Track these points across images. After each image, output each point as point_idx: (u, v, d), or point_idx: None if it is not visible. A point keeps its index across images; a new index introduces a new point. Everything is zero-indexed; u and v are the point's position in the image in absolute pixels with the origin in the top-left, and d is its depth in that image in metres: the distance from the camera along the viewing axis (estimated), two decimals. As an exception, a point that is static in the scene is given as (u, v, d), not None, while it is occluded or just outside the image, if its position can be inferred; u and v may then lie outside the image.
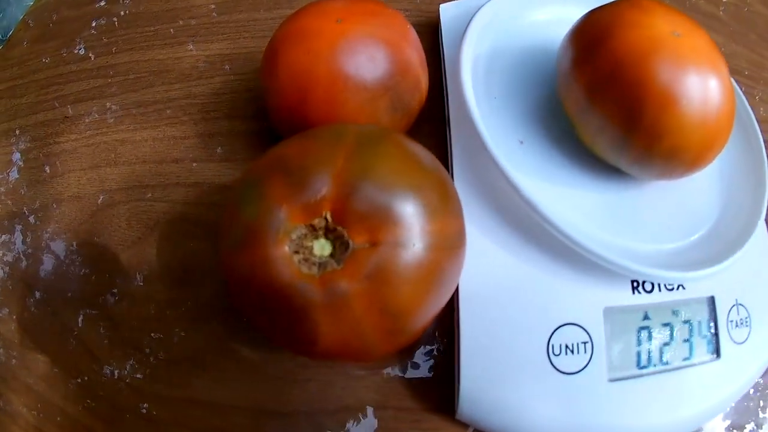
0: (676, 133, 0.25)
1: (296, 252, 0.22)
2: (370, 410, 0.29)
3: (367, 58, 0.26)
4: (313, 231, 0.22)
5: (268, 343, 0.29)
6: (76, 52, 0.40)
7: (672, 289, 0.29)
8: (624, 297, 0.28)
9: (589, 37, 0.27)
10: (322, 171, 0.22)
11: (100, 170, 0.35)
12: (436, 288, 0.23)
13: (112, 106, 0.37)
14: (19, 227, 0.34)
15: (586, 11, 0.31)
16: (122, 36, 0.40)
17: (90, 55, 0.40)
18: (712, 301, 0.29)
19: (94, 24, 0.41)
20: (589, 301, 0.28)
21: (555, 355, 0.27)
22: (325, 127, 0.24)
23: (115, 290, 0.32)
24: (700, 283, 0.29)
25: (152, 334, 0.30)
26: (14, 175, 0.36)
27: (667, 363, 0.28)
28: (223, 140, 0.34)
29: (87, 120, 0.37)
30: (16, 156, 0.37)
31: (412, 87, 0.28)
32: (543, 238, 0.28)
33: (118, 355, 0.30)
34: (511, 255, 0.28)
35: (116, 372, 0.30)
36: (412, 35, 0.29)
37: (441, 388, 0.29)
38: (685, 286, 0.29)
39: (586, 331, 0.28)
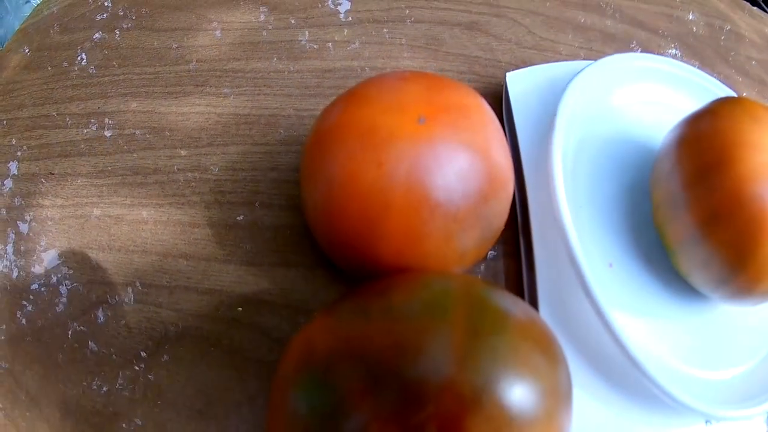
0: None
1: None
2: None
3: (459, 177, 0.18)
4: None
5: None
6: (65, 89, 0.30)
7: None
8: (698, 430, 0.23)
9: (703, 158, 0.21)
10: (426, 377, 0.14)
11: (92, 253, 0.26)
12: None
13: (105, 169, 0.28)
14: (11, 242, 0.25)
15: (677, 92, 0.24)
16: (119, 75, 0.30)
17: (81, 95, 0.30)
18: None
19: (89, 55, 0.31)
20: None
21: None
22: (412, 290, 0.16)
23: (117, 413, 0.23)
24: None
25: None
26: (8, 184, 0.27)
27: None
28: (244, 235, 0.25)
29: (75, 182, 0.28)
30: (12, 166, 0.28)
31: (503, 207, 0.20)
32: (626, 377, 0.22)
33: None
34: (595, 400, 0.22)
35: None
36: (499, 131, 0.20)
37: None
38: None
39: None
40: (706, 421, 0.23)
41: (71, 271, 0.25)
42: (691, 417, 0.23)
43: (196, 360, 0.23)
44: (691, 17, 0.37)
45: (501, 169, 0.19)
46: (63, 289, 0.25)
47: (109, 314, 0.24)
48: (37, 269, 0.26)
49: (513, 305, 0.16)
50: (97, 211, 0.27)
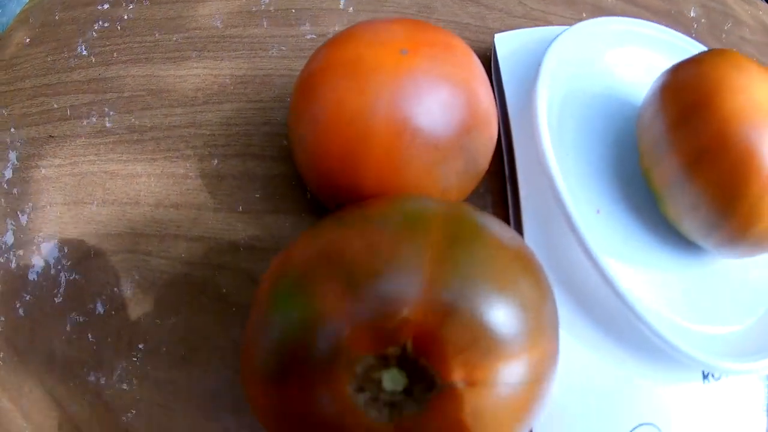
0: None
1: (360, 389, 0.14)
2: None
3: (440, 107, 0.18)
4: (384, 361, 0.14)
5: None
6: (67, 60, 0.30)
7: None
8: (695, 387, 0.22)
9: (687, 100, 0.20)
10: (402, 282, 0.14)
11: (86, 208, 0.26)
12: (532, 421, 0.16)
13: (103, 129, 0.28)
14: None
15: (663, 51, 0.24)
16: (120, 45, 0.30)
17: (83, 64, 0.30)
18: (770, 378, 0.24)
19: (92, 28, 0.31)
20: (662, 396, 0.22)
21: (630, 461, 0.21)
22: (392, 205, 0.16)
23: (101, 360, 0.23)
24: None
25: (151, 424, 0.22)
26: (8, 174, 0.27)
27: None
28: (235, 185, 0.25)
29: (74, 143, 0.28)
30: (12, 156, 0.28)
31: (486, 142, 0.20)
32: (618, 326, 0.22)
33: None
34: (584, 346, 0.21)
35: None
36: (482, 72, 0.21)
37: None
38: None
39: (659, 429, 0.21)
40: (704, 378, 0.22)
41: (70, 262, 0.25)
42: (687, 372, 0.22)
43: (183, 306, 0.23)
44: (684, -2, 0.37)
45: (483, 104, 0.19)
46: (62, 280, 0.25)
47: (108, 306, 0.24)
48: (36, 260, 0.25)
49: (497, 225, 0.16)
50: (93, 168, 0.27)
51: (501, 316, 0.14)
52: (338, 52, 0.20)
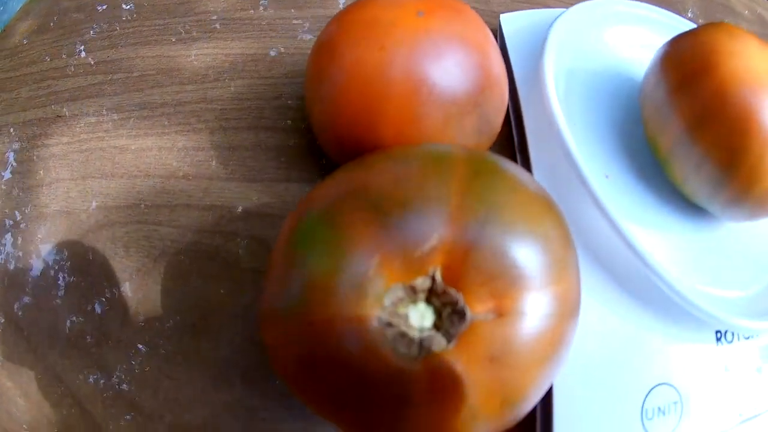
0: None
1: (389, 324, 0.13)
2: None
3: (455, 64, 0.18)
4: (412, 293, 0.14)
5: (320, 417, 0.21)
6: (74, 45, 0.30)
7: (749, 336, 0.23)
8: (709, 349, 0.22)
9: (686, 67, 0.21)
10: (431, 210, 0.13)
11: (94, 181, 0.26)
12: (558, 364, 0.15)
13: (112, 107, 0.28)
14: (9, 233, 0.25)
15: (662, 32, 0.25)
16: (128, 29, 0.31)
17: (90, 48, 0.30)
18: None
19: (98, 16, 0.31)
20: (677, 357, 0.22)
21: (648, 419, 0.21)
22: (415, 148, 0.16)
23: (108, 333, 0.22)
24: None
25: (157, 396, 0.21)
26: (7, 175, 0.27)
27: (742, 415, 0.23)
28: (247, 155, 0.25)
29: (82, 121, 0.28)
30: (10, 155, 0.27)
31: (498, 104, 0.20)
32: (634, 287, 0.22)
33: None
34: (603, 306, 0.21)
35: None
36: (493, 38, 0.21)
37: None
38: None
39: (676, 390, 0.21)
40: (717, 340, 0.22)
41: (68, 263, 0.25)
42: (700, 333, 0.22)
43: (193, 274, 0.23)
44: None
45: (495, 66, 0.20)
46: (60, 282, 0.24)
47: (116, 276, 0.24)
48: (35, 261, 0.25)
49: (518, 168, 0.16)
50: (102, 144, 0.27)
51: (527, 246, 0.14)
52: (355, 15, 0.20)
